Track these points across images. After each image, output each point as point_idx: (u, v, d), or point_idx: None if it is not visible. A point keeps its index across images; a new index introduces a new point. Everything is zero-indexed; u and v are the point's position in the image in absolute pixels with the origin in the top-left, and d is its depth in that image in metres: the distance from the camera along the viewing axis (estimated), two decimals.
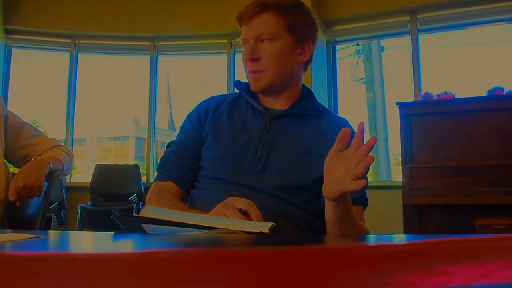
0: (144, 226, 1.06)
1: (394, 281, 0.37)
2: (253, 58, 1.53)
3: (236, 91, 1.71)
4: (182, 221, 1.02)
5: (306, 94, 1.67)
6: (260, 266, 0.39)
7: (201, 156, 1.60)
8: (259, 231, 1.00)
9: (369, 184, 1.55)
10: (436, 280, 0.36)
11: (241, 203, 1.21)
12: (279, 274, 0.38)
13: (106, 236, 1.12)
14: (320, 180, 1.50)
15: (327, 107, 1.84)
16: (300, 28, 1.56)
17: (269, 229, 1.01)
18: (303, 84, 1.69)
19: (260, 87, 1.56)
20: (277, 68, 1.54)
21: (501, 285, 0.35)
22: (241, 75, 6.12)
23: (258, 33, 1.52)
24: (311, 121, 1.61)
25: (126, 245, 0.89)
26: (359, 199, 1.51)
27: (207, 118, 1.64)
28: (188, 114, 1.71)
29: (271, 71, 1.53)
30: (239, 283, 0.37)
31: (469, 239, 0.44)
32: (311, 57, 1.64)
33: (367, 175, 1.58)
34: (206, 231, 0.99)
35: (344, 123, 1.65)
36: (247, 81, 1.65)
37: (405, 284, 0.36)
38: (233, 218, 1.16)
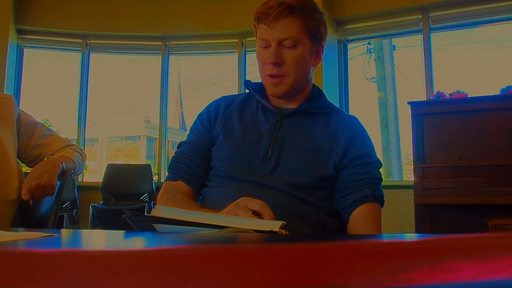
0: (156, 225, 1.06)
1: (405, 276, 0.37)
2: (277, 62, 1.49)
3: (247, 90, 1.71)
4: (193, 220, 1.02)
5: (316, 93, 1.67)
6: (271, 263, 0.39)
7: (212, 156, 1.61)
8: (269, 229, 1.00)
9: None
10: (446, 276, 0.37)
11: (254, 204, 1.20)
12: (290, 270, 0.38)
13: (119, 234, 1.12)
14: (329, 178, 1.50)
15: (338, 106, 1.84)
16: (320, 34, 1.56)
17: (280, 228, 1.01)
18: (313, 84, 1.68)
19: (280, 92, 1.54)
20: (298, 73, 1.53)
21: (510, 280, 0.35)
22: (252, 75, 6.13)
23: (283, 37, 1.48)
24: (321, 119, 1.61)
25: (139, 243, 0.89)
26: (370, 195, 1.50)
27: (217, 118, 1.64)
28: (199, 115, 1.71)
29: (293, 77, 1.52)
30: (252, 279, 0.37)
31: (479, 236, 0.45)
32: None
33: (381, 173, 1.59)
34: (217, 230, 0.99)
35: (354, 121, 1.65)
36: (257, 81, 1.64)
37: (416, 280, 0.36)
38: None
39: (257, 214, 1.18)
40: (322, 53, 1.62)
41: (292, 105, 1.62)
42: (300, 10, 1.48)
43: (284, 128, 1.57)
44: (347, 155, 1.53)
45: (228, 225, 1.00)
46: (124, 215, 1.09)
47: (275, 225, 1.02)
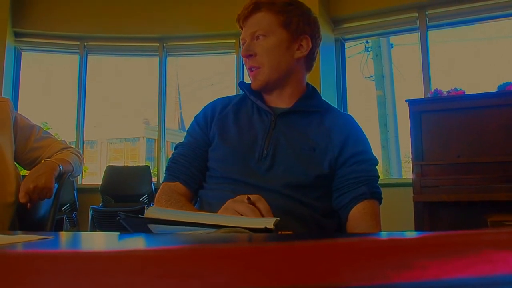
0: (150, 226, 1.06)
1: (369, 275, 0.37)
2: (248, 55, 1.57)
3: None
4: (186, 220, 1.02)
5: (311, 92, 1.67)
6: (243, 262, 0.40)
7: (209, 157, 1.61)
8: (263, 227, 1.00)
9: (380, 182, 1.57)
10: (411, 273, 0.37)
11: (251, 196, 1.22)
12: (256, 270, 0.38)
13: (113, 236, 1.13)
14: (324, 177, 1.50)
15: (336, 105, 1.85)
16: (295, 23, 1.58)
17: (274, 224, 1.01)
18: (307, 83, 1.69)
19: (257, 84, 1.58)
20: (273, 63, 1.56)
21: (475, 278, 0.36)
22: None
23: (253, 30, 1.57)
24: (315, 118, 1.61)
25: (122, 244, 0.89)
26: (367, 193, 1.50)
27: (213, 119, 1.65)
28: (195, 117, 1.72)
29: (267, 67, 1.55)
30: (221, 278, 0.37)
31: (451, 234, 0.45)
32: (312, 54, 1.64)
33: (378, 171, 1.59)
34: (210, 230, 0.99)
35: (348, 119, 1.65)
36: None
37: (380, 278, 0.36)
38: (242, 211, 1.17)
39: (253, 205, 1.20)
40: (310, 46, 1.62)
41: (286, 104, 1.62)
42: (268, 5, 1.57)
43: (279, 127, 1.57)
44: (342, 154, 1.53)
45: (221, 224, 1.00)
46: (118, 218, 1.09)
47: (269, 222, 1.02)
